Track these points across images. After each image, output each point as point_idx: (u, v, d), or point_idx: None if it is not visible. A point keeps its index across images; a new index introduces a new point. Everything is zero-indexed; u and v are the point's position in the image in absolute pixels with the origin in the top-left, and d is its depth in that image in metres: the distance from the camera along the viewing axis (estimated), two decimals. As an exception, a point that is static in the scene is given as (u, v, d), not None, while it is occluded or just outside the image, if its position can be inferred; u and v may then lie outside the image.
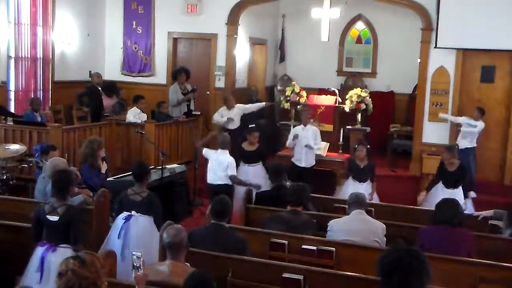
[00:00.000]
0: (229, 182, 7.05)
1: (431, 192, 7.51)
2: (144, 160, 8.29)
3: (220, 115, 9.55)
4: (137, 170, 5.63)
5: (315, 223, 5.26)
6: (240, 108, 9.66)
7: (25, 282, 4.46)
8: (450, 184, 7.29)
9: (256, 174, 7.68)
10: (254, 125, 8.19)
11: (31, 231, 4.79)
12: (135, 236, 5.36)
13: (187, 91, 10.04)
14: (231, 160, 7.04)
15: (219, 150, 7.12)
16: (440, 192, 7.23)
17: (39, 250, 4.60)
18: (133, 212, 5.43)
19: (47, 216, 4.65)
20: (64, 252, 4.45)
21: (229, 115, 9.43)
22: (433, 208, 6.77)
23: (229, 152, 7.14)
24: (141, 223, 5.42)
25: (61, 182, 4.77)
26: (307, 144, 8.15)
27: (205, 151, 7.34)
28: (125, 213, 5.46)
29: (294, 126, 9.27)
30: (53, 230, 4.65)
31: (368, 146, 7.83)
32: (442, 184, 7.39)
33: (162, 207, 5.64)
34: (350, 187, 7.39)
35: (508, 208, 5.40)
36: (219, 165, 7.03)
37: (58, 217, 4.62)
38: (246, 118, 9.88)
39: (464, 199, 7.31)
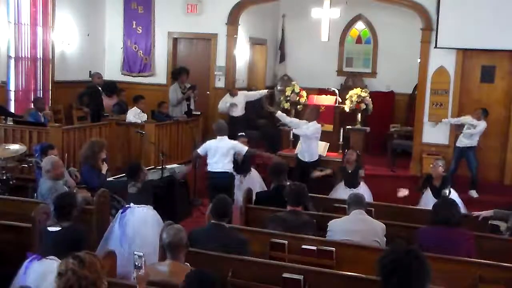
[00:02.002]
0: (231, 169, 6.93)
1: (422, 198, 7.47)
2: (144, 160, 8.33)
3: (225, 102, 10.00)
4: (129, 169, 5.96)
5: (314, 223, 5.26)
6: (244, 95, 9.97)
7: None
8: (439, 196, 7.21)
9: (250, 183, 7.54)
10: (243, 133, 8.14)
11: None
12: (131, 226, 5.60)
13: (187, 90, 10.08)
14: (233, 142, 6.94)
15: (218, 137, 6.99)
16: (432, 202, 7.18)
17: (26, 261, 4.39)
18: (131, 204, 5.73)
19: (48, 228, 4.50)
20: (49, 263, 4.21)
21: (232, 101, 9.85)
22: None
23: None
24: (137, 214, 5.69)
25: (64, 206, 4.56)
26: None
27: (201, 149, 7.13)
28: (125, 206, 5.78)
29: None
30: (49, 241, 4.44)
31: (358, 151, 7.84)
32: (431, 195, 7.32)
33: (162, 207, 5.95)
34: (342, 194, 7.35)
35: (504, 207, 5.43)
36: (220, 152, 6.89)
37: (60, 228, 4.51)
38: (247, 110, 10.03)
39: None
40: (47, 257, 4.38)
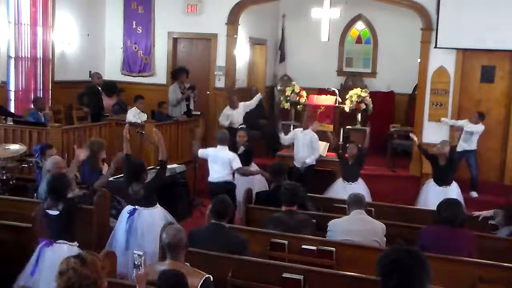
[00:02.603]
0: (231, 179, 6.89)
1: (423, 190, 7.53)
2: (144, 160, 8.30)
3: (226, 118, 9.66)
4: (132, 171, 5.75)
5: (312, 221, 5.26)
6: (243, 105, 9.90)
7: (22, 275, 4.56)
8: (441, 181, 7.25)
9: (249, 178, 7.53)
10: (243, 125, 8.16)
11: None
12: (139, 228, 5.55)
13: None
14: (232, 154, 6.89)
15: (218, 147, 6.94)
16: (432, 190, 7.23)
17: (38, 246, 4.68)
18: (136, 206, 5.64)
19: (47, 211, 4.72)
20: (60, 247, 4.57)
21: (233, 115, 9.59)
22: (425, 206, 6.88)
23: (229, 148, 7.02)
24: (145, 216, 5.62)
25: (57, 186, 4.76)
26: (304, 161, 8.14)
27: (201, 152, 7.12)
28: (129, 207, 5.66)
29: (294, 126, 9.30)
30: (52, 225, 4.70)
31: (359, 145, 7.88)
32: (433, 182, 7.37)
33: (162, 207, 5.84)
34: (341, 189, 7.39)
35: (505, 207, 5.43)
36: (220, 162, 6.86)
37: (58, 212, 4.65)
38: (247, 117, 9.98)
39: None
40: (57, 241, 4.62)
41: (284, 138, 8.48)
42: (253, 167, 7.96)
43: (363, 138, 8.05)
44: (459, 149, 9.05)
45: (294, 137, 8.31)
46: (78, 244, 4.76)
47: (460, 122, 9.21)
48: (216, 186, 6.81)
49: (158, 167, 6.02)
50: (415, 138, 7.86)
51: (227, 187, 6.77)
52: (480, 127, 8.93)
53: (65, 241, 4.65)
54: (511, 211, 5.34)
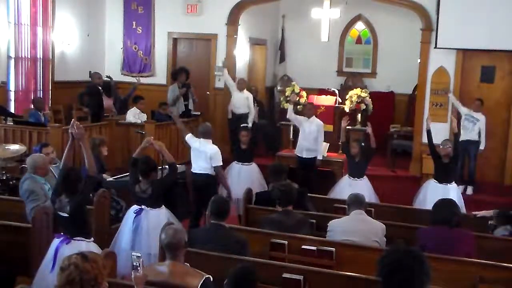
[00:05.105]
0: (212, 173, 6.88)
1: (422, 188, 7.53)
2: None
3: (233, 88, 10.27)
4: (145, 167, 5.67)
5: (310, 221, 5.26)
6: (247, 98, 10.11)
7: (40, 272, 4.57)
8: (443, 178, 7.25)
9: (248, 174, 7.61)
10: (245, 125, 8.19)
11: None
12: (146, 229, 5.52)
13: (184, 89, 10.10)
14: (214, 150, 6.85)
15: (201, 139, 6.92)
16: (432, 188, 7.23)
17: (55, 242, 4.67)
18: (143, 206, 5.59)
19: (58, 212, 4.72)
20: (78, 244, 4.55)
21: (234, 97, 10.15)
22: (423, 204, 6.88)
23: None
24: (152, 216, 5.58)
25: (71, 179, 4.74)
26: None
27: (188, 137, 7.02)
28: (136, 207, 5.62)
29: (293, 126, 9.29)
30: (66, 224, 4.71)
31: (362, 143, 7.88)
32: (434, 180, 7.37)
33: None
34: (347, 184, 7.43)
35: (501, 208, 5.45)
36: (202, 155, 6.85)
37: (68, 214, 4.66)
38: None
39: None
40: (74, 238, 4.62)
41: (291, 114, 8.49)
42: (254, 165, 7.95)
43: (366, 139, 8.03)
44: (461, 138, 9.01)
45: (300, 124, 8.34)
46: (94, 240, 4.77)
47: (463, 110, 9.17)
48: (197, 178, 6.87)
49: (168, 170, 5.99)
50: (429, 122, 7.79)
51: (208, 181, 6.81)
52: (483, 118, 8.90)
53: (83, 238, 4.66)
54: (504, 212, 5.36)
